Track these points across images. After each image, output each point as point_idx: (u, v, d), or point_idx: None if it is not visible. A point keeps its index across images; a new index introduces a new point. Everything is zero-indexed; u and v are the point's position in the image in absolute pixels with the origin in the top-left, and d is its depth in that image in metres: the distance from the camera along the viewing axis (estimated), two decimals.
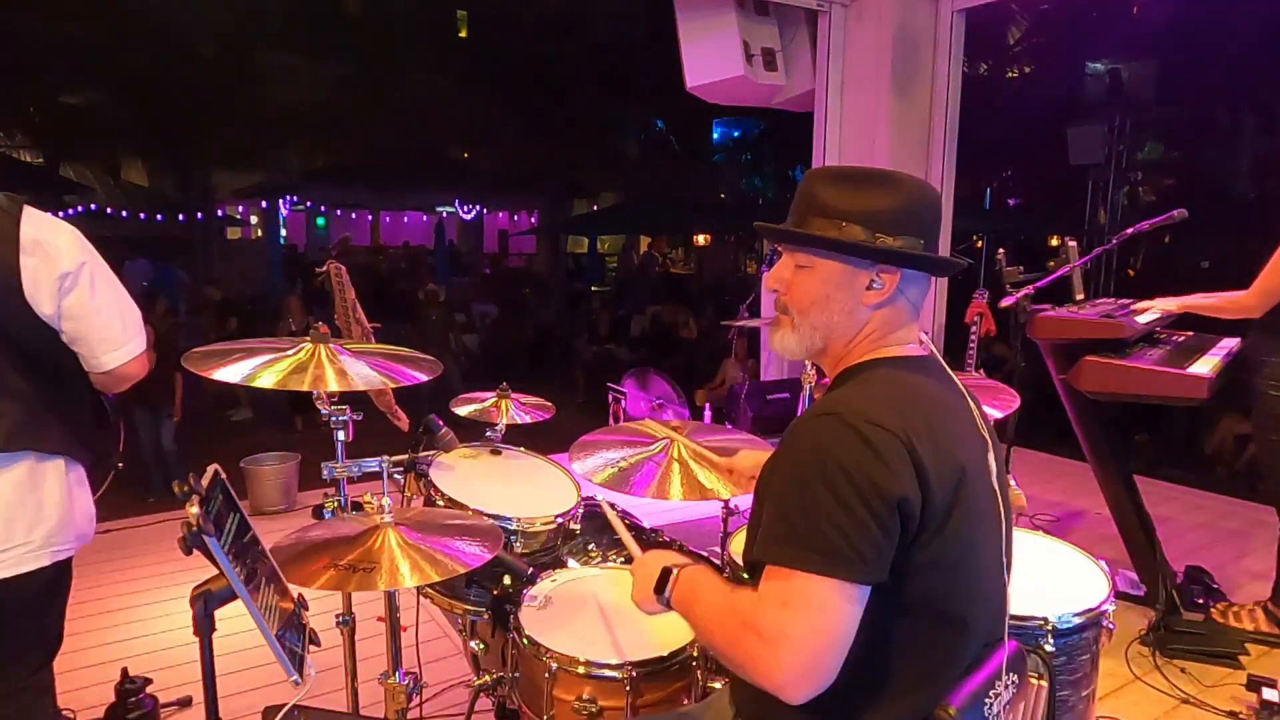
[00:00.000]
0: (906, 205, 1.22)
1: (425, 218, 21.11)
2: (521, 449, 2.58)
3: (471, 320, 11.90)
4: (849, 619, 1.07)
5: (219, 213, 17.69)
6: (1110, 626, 1.91)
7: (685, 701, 1.71)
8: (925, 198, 1.25)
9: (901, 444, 1.09)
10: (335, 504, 2.03)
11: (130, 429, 6.72)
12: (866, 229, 1.20)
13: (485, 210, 20.87)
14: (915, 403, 1.17)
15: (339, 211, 20.02)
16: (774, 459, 1.20)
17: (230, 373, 1.81)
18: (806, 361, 2.65)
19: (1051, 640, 1.81)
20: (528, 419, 2.56)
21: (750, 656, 1.10)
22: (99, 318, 1.69)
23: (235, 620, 1.43)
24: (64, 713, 2.47)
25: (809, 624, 1.06)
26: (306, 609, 1.52)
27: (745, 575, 1.32)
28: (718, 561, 2.36)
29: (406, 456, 2.15)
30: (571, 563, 2.19)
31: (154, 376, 6.04)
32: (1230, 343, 3.02)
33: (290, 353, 1.91)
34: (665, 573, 1.30)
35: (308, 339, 1.96)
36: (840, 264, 1.23)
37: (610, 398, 5.28)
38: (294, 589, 1.51)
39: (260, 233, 19.62)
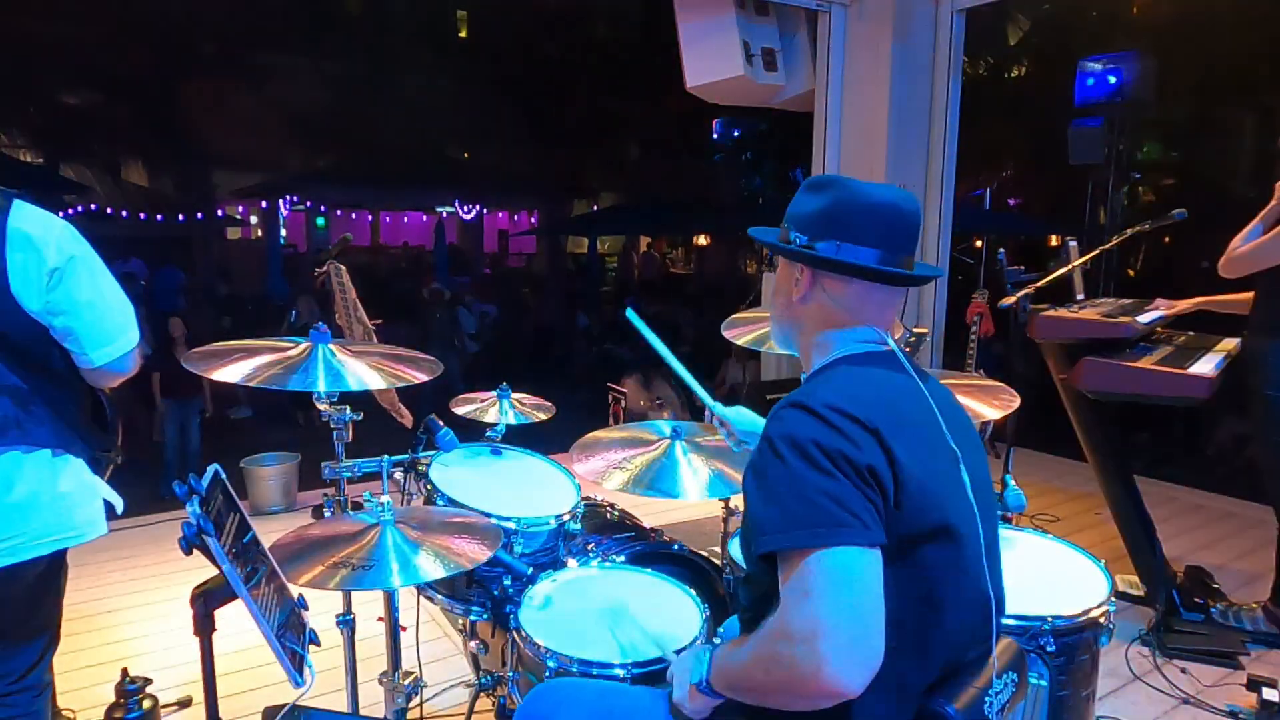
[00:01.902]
0: (831, 207, 1.26)
1: (425, 218, 21.09)
2: (521, 449, 2.58)
3: (471, 318, 11.89)
4: (874, 585, 1.06)
5: (219, 213, 17.68)
6: (1110, 626, 1.91)
7: None
8: (858, 201, 1.25)
9: (864, 429, 1.11)
10: (336, 504, 2.04)
11: (152, 424, 6.77)
12: (798, 231, 1.28)
13: (485, 210, 20.84)
14: (879, 393, 1.19)
15: (339, 211, 19.99)
16: (751, 459, 1.21)
17: (230, 372, 1.81)
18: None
19: (1051, 640, 1.81)
20: (528, 419, 2.56)
21: (793, 666, 1.04)
22: (87, 314, 1.68)
23: (235, 620, 1.43)
24: (64, 713, 2.47)
25: (838, 603, 1.03)
26: (306, 609, 1.52)
27: (745, 579, 1.32)
28: (717, 562, 2.36)
29: (407, 456, 2.15)
30: (571, 563, 2.19)
31: (185, 372, 6.10)
32: (1231, 343, 3.03)
33: (290, 353, 1.92)
34: (699, 658, 1.28)
35: (308, 339, 1.96)
36: (784, 262, 1.34)
37: (610, 398, 5.28)
38: (294, 589, 1.51)
39: (260, 233, 19.61)
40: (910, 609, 1.15)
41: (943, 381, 1.39)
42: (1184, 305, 3.13)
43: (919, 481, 1.13)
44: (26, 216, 1.63)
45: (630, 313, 1.88)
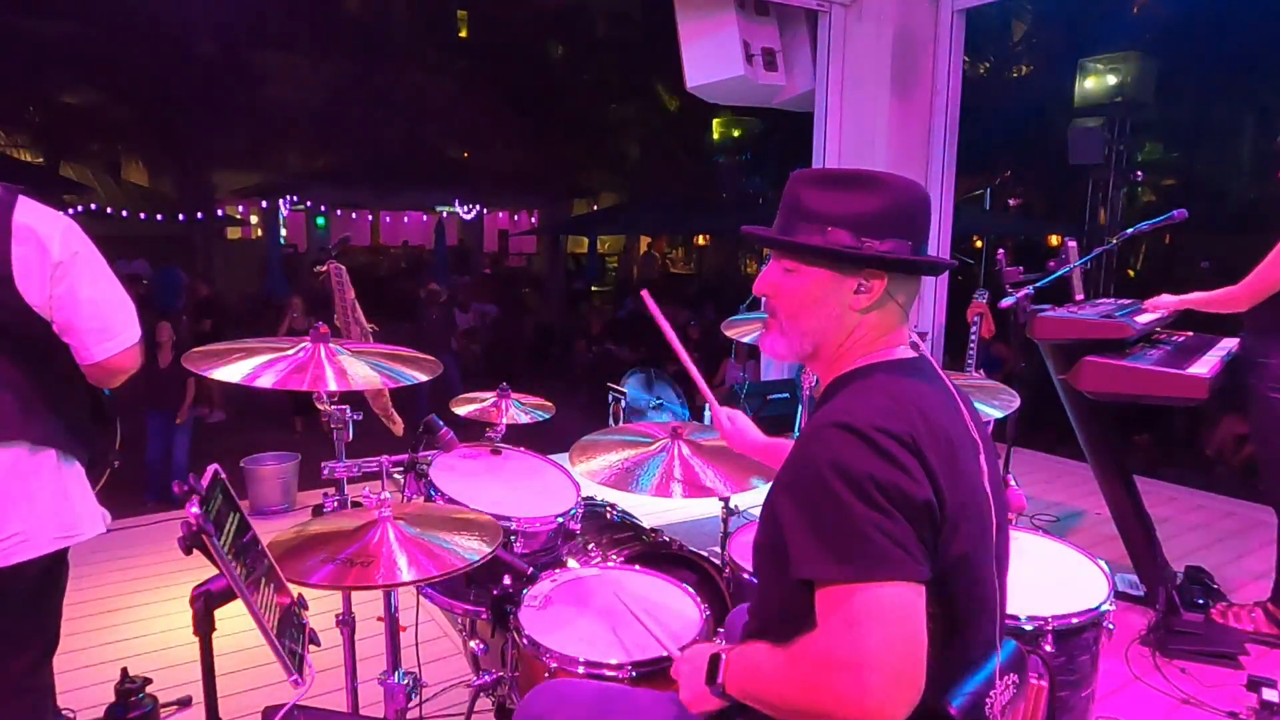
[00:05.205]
0: (893, 206, 1.21)
1: (425, 218, 21.12)
2: (521, 449, 2.58)
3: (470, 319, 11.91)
4: (920, 621, 1.05)
5: (219, 213, 17.69)
6: (1110, 627, 1.91)
7: None
8: (912, 197, 1.24)
9: (910, 449, 1.09)
10: (336, 503, 2.04)
11: (138, 433, 6.55)
12: (853, 233, 1.19)
13: (485, 210, 20.85)
14: (915, 406, 1.16)
15: (339, 211, 20.01)
16: (789, 474, 1.17)
17: (230, 372, 1.81)
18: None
19: (1051, 640, 1.82)
20: (528, 419, 2.56)
21: (834, 695, 1.03)
22: (90, 309, 1.69)
23: (235, 620, 1.43)
24: (64, 713, 2.47)
25: (884, 636, 1.02)
26: (306, 609, 1.52)
27: (767, 587, 1.29)
28: (717, 562, 2.36)
29: (406, 456, 2.15)
30: (571, 563, 2.20)
31: (172, 380, 5.93)
32: (1230, 343, 3.03)
33: (290, 352, 1.92)
34: (713, 660, 1.24)
35: (308, 339, 1.96)
36: (827, 269, 1.23)
37: (610, 398, 5.28)
38: (294, 588, 1.51)
39: (260, 233, 19.63)
40: (939, 621, 1.14)
41: None
42: (1172, 301, 3.12)
43: (957, 507, 1.12)
44: (31, 212, 1.64)
45: (645, 295, 1.91)
